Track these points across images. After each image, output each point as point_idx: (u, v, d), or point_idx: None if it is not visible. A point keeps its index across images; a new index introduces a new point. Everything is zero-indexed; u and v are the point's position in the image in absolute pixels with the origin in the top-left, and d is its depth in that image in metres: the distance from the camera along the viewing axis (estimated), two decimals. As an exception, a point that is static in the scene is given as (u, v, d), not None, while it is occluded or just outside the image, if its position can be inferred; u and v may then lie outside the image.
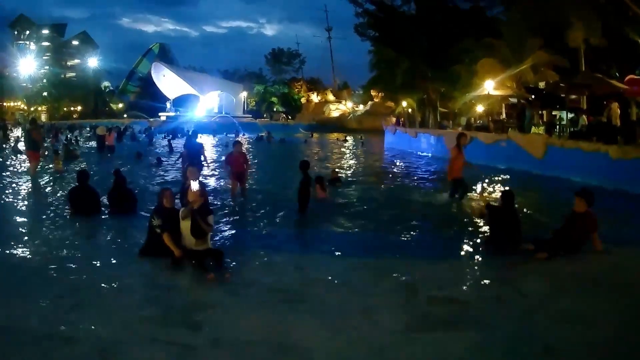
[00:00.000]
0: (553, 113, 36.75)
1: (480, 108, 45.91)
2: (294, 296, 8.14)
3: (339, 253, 10.81)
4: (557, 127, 32.39)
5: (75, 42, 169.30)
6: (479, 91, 39.54)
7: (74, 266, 9.55)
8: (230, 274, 8.93)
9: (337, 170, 24.62)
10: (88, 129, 73.06)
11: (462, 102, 46.31)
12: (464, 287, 8.87)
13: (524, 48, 35.53)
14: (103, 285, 8.54)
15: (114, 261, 9.82)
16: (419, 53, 48.69)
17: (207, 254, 9.24)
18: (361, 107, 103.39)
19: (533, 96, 35.87)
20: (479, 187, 21.09)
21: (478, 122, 45.80)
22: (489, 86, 36.81)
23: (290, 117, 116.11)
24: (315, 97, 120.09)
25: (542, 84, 38.08)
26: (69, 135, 53.73)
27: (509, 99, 40.85)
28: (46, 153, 27.65)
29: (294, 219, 14.70)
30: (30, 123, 27.69)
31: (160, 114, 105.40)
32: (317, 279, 9.05)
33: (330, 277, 9.12)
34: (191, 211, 9.46)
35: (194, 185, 9.79)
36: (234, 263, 9.71)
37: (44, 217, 14.10)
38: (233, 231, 12.71)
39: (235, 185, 17.53)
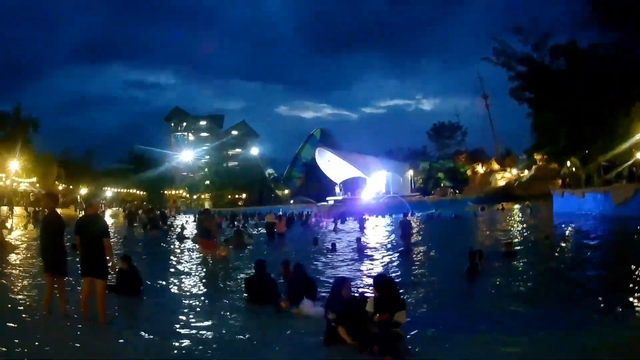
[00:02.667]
0: None
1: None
2: None
3: (519, 330, 10.82)
4: None
5: (234, 132, 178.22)
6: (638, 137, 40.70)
7: (252, 352, 10.00)
8: (413, 358, 9.11)
9: (510, 242, 23.62)
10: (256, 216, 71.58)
11: (621, 151, 46.50)
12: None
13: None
14: None
15: (295, 349, 9.99)
16: (577, 110, 49.10)
17: (388, 338, 9.27)
18: (526, 172, 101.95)
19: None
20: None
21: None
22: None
23: (457, 192, 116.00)
24: (480, 168, 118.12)
25: None
26: (236, 223, 54.73)
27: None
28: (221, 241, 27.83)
29: (465, 297, 15.13)
30: (202, 212, 28.60)
31: (327, 198, 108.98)
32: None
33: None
34: (376, 300, 9.81)
35: (379, 286, 9.91)
36: (413, 347, 9.72)
37: (218, 304, 14.46)
38: (412, 314, 11.95)
39: None
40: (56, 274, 11.60)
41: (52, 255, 11.59)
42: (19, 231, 35.69)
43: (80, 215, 11.87)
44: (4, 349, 9.26)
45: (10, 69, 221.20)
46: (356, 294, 10.92)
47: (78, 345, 9.84)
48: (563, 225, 37.88)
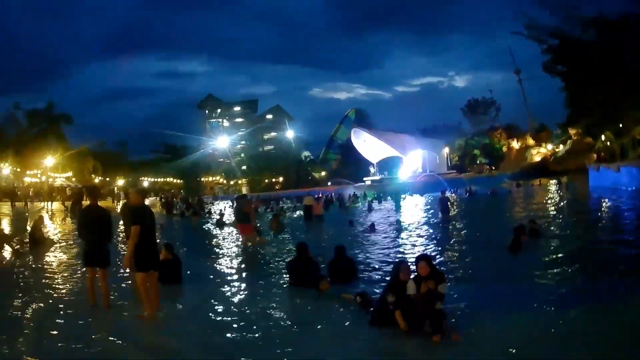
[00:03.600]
0: None
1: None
2: (524, 355, 8.29)
3: (559, 306, 10.77)
4: None
5: (269, 116, 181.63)
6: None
7: (295, 334, 10.02)
8: (457, 334, 9.04)
9: (534, 220, 23.17)
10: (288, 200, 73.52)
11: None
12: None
13: None
14: (333, 352, 8.90)
15: (339, 330, 10.06)
16: (610, 82, 48.72)
17: (431, 316, 9.26)
18: (561, 147, 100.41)
19: None
20: None
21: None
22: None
23: (493, 168, 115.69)
24: (515, 144, 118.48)
25: None
26: (274, 207, 55.07)
27: None
28: (258, 224, 28.65)
29: (505, 273, 15.12)
30: (240, 197, 28.82)
31: (364, 178, 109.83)
32: (543, 335, 9.06)
33: (559, 333, 9.12)
34: (416, 281, 9.70)
35: (422, 263, 9.78)
36: (457, 320, 9.98)
37: (260, 288, 14.44)
38: (455, 290, 12.28)
39: None
40: (99, 265, 11.73)
41: (96, 247, 11.73)
42: (54, 225, 35.89)
43: (136, 204, 11.20)
44: (59, 344, 9.44)
45: (42, 65, 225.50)
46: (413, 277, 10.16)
47: (124, 333, 10.01)
48: (599, 201, 37.82)
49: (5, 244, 22.57)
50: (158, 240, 11.77)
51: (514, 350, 8.38)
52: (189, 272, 15.91)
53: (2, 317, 11.41)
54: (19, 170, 78.71)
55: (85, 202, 12.71)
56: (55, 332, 10.20)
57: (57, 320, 11.06)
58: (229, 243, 26.30)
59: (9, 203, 53.34)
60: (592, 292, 11.96)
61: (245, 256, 21.33)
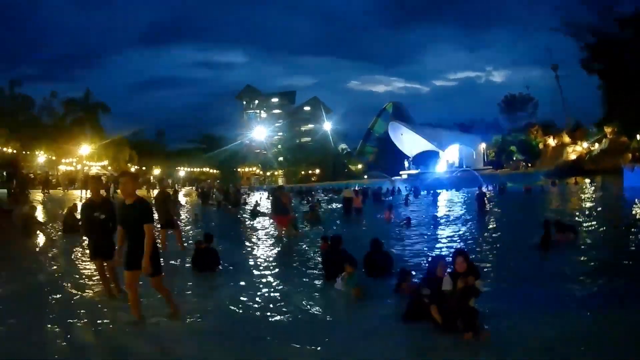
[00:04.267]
0: None
1: None
2: (555, 355, 8.35)
3: (592, 308, 10.67)
4: None
5: (307, 108, 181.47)
6: None
7: (327, 328, 9.95)
8: (488, 333, 8.97)
9: (558, 219, 22.09)
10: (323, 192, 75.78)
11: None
12: None
13: None
14: (365, 348, 8.84)
15: (372, 325, 10.00)
16: None
17: (464, 313, 9.16)
18: (596, 145, 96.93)
19: None
20: None
21: None
22: None
23: (529, 165, 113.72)
24: (552, 141, 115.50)
25: None
26: (310, 199, 54.86)
27: None
28: (296, 215, 28.69)
29: (537, 271, 15.03)
30: (277, 188, 28.39)
31: (401, 172, 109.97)
32: (574, 337, 9.03)
33: (591, 335, 9.12)
34: (453, 276, 9.63)
35: (460, 259, 9.70)
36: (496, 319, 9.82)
37: (295, 278, 14.56)
38: (486, 287, 11.51)
39: None
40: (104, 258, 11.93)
41: (96, 240, 12.05)
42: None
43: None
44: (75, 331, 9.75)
45: (80, 54, 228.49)
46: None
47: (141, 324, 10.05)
48: (633, 201, 37.39)
49: (38, 231, 23.53)
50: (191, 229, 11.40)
51: (545, 351, 8.48)
52: (223, 261, 16.19)
53: (24, 296, 12.36)
54: (54, 158, 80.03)
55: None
56: (71, 319, 10.39)
57: (75, 307, 11.37)
58: (264, 234, 26.25)
59: (43, 190, 54.60)
60: (625, 295, 11.72)
61: (280, 248, 21.36)
